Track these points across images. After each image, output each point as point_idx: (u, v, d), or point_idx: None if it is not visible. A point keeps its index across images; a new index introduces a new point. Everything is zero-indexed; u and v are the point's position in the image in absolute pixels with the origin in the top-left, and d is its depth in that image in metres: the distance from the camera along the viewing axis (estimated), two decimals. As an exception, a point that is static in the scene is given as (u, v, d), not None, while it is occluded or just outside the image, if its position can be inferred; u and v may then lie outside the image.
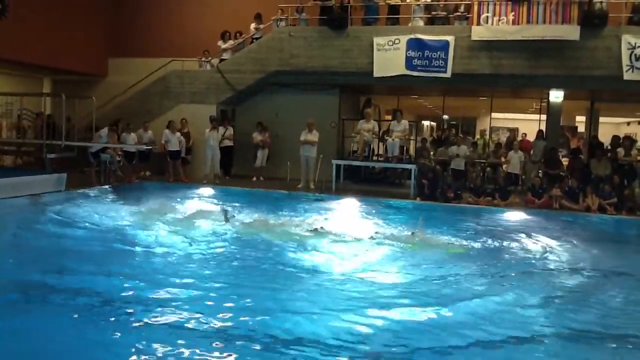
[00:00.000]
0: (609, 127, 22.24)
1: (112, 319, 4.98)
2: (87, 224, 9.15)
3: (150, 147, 14.70)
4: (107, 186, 13.06)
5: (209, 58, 16.96)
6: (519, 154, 14.43)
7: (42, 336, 4.63)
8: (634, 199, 12.65)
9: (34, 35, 15.48)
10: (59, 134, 13.29)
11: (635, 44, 13.12)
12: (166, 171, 15.04)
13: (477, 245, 8.78)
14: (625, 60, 13.18)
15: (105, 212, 10.27)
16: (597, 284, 6.84)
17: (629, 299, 6.30)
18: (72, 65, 17.57)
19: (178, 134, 15.05)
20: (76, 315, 5.04)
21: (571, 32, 13.39)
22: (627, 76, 13.22)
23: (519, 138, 19.00)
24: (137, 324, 4.86)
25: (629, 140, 14.54)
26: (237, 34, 16.91)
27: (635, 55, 13.14)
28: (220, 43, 16.75)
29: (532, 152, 15.30)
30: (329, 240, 8.46)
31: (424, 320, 5.32)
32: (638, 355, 4.79)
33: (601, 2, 13.52)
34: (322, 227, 9.06)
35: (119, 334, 4.65)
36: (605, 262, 7.97)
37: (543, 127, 16.79)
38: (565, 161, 15.91)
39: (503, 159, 14.99)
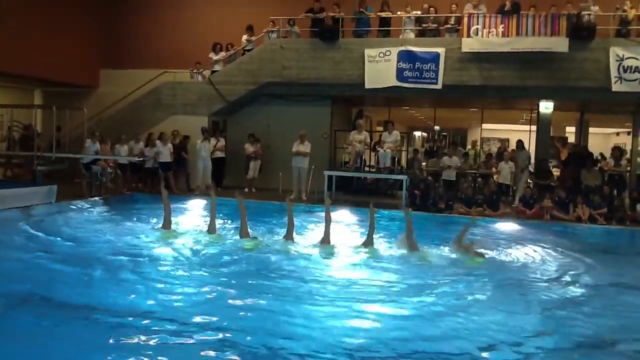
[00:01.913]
0: (599, 138, 22.45)
1: (101, 332, 4.93)
2: (75, 236, 9.06)
3: (142, 159, 14.67)
4: (97, 198, 13.01)
5: (201, 70, 16.99)
6: (509, 165, 14.52)
7: (26, 350, 4.59)
8: (624, 209, 12.75)
9: (25, 46, 15.46)
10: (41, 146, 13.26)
11: (623, 55, 13.30)
12: (157, 183, 14.97)
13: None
14: (613, 72, 13.36)
15: (94, 224, 10.21)
16: (588, 295, 6.84)
17: (619, 309, 6.32)
18: (64, 77, 17.54)
19: (169, 145, 15.02)
20: (62, 331, 5.01)
21: (560, 44, 13.55)
22: (615, 87, 13.40)
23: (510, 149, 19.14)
24: (127, 338, 4.81)
25: (619, 151, 14.66)
26: (229, 46, 16.96)
27: (623, 67, 13.32)
28: (211, 55, 16.78)
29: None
30: (327, 252, 8.42)
31: (418, 330, 5.32)
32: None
33: (589, 15, 13.71)
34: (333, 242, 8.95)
35: (109, 349, 4.59)
36: (595, 272, 8.00)
37: (534, 138, 16.96)
38: (556, 171, 16.02)
39: (494, 170, 15.07)
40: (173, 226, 9.83)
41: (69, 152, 14.38)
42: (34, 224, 9.86)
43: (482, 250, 8.69)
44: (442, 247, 9.01)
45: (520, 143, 15.69)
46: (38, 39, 16.02)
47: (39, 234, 9.17)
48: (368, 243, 8.85)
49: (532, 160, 15.80)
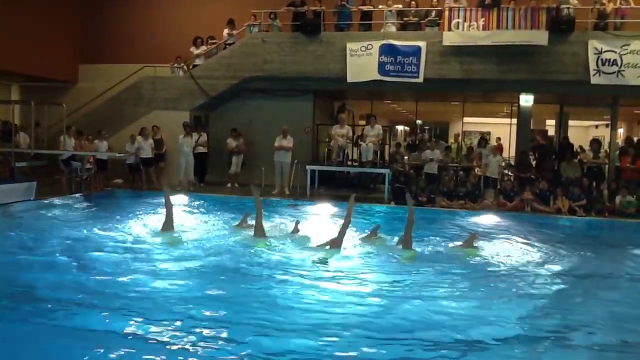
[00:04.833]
0: (578, 130, 22.71)
1: (85, 331, 4.89)
2: (54, 234, 8.92)
3: (122, 155, 14.55)
4: (78, 194, 12.86)
5: (182, 64, 16.84)
6: (497, 159, 14.53)
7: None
8: (603, 200, 12.93)
9: (2, 40, 15.20)
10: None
11: (601, 49, 13.46)
12: (139, 179, 14.89)
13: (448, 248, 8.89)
14: (592, 65, 13.53)
15: (74, 221, 10.09)
16: (565, 285, 6.95)
17: (595, 300, 6.43)
18: (42, 72, 17.27)
19: (150, 140, 14.91)
20: (42, 329, 4.96)
21: (540, 37, 13.67)
22: (594, 80, 13.57)
23: (494, 142, 19.28)
24: (112, 336, 4.79)
25: (597, 143, 14.85)
26: (208, 39, 16.82)
27: (602, 60, 13.48)
28: (192, 49, 16.64)
29: None
30: (312, 247, 8.40)
31: (396, 323, 5.36)
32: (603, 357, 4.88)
33: (568, 8, 13.83)
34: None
35: (95, 348, 4.54)
36: (574, 263, 8.12)
37: (514, 131, 17.10)
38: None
39: (475, 163, 15.16)
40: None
41: (48, 149, 14.21)
42: (12, 221, 9.73)
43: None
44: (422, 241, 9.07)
45: (482, 141, 15.89)
46: (15, 32, 15.76)
47: (18, 231, 9.04)
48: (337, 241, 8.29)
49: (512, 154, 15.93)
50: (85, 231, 9.15)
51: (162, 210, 9.82)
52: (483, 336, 5.04)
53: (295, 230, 9.33)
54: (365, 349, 4.68)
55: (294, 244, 8.67)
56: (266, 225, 9.21)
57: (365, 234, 9.28)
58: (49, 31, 17.36)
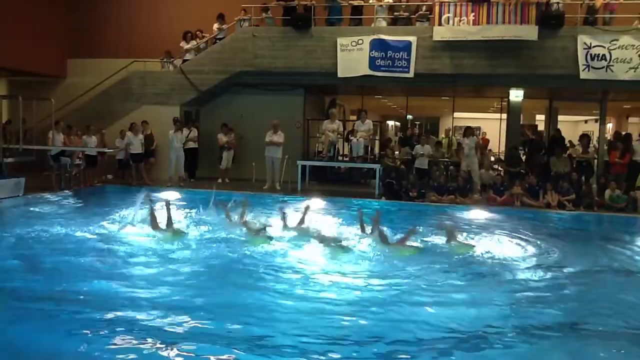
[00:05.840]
0: (568, 125, 22.84)
1: (76, 326, 4.86)
2: (42, 231, 8.78)
3: (112, 150, 14.49)
4: (67, 191, 12.77)
5: (172, 59, 16.74)
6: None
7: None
8: (591, 195, 13.02)
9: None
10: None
11: (590, 44, 13.53)
12: (128, 174, 14.83)
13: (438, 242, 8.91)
14: (581, 60, 13.60)
15: (62, 218, 9.99)
16: (556, 279, 6.99)
17: (585, 293, 6.47)
18: (30, 66, 17.10)
19: (140, 135, 14.83)
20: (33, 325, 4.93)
21: (529, 32, 13.72)
22: (583, 75, 13.65)
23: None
24: (101, 332, 4.75)
25: (586, 138, 14.94)
26: (198, 32, 16.71)
27: (591, 55, 13.56)
28: (182, 44, 16.54)
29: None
30: (303, 242, 8.37)
31: (388, 320, 5.37)
32: (595, 351, 4.91)
33: (558, 3, 13.88)
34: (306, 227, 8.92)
35: (84, 343, 4.52)
36: (563, 257, 8.16)
37: (504, 126, 17.15)
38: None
39: (461, 158, 15.16)
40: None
41: (37, 144, 14.09)
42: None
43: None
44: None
45: (469, 130, 15.82)
46: (3, 27, 15.58)
47: (6, 228, 8.97)
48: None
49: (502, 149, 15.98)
50: (72, 228, 9.04)
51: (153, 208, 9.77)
52: (477, 330, 5.07)
53: (302, 221, 9.28)
54: (363, 348, 4.69)
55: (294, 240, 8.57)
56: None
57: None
58: (37, 25, 17.17)
